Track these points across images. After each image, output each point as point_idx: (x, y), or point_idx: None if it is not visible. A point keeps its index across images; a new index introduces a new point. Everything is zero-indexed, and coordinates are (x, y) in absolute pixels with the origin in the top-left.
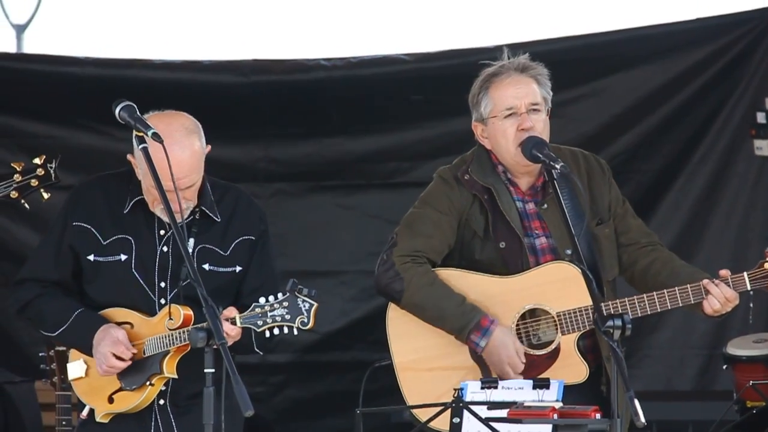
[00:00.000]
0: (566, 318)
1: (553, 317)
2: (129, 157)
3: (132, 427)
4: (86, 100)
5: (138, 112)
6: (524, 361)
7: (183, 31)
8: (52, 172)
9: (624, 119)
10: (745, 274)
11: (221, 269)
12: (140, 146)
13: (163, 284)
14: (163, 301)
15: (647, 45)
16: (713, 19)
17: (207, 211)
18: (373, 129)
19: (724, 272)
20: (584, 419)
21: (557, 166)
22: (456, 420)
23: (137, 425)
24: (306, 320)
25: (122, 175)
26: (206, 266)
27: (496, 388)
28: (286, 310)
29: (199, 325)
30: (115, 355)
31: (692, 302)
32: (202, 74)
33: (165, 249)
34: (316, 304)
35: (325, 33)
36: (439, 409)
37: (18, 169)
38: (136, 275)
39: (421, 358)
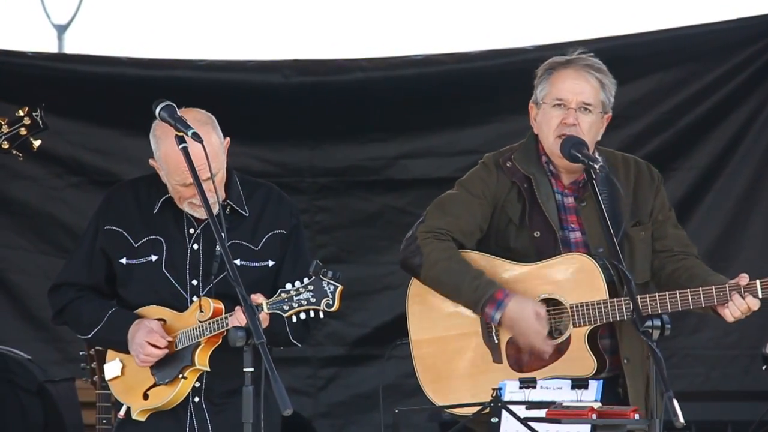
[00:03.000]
0: (579, 310)
1: (566, 308)
2: (151, 161)
3: (168, 424)
4: (126, 100)
5: (178, 112)
6: (547, 326)
7: (223, 32)
8: (39, 119)
9: (665, 118)
10: (757, 281)
11: (253, 264)
12: (180, 146)
13: (195, 282)
14: (195, 298)
15: (688, 44)
16: (753, 19)
17: (235, 206)
18: (412, 127)
19: (743, 279)
20: (623, 419)
21: (596, 166)
22: (494, 420)
23: (173, 423)
24: (331, 302)
25: (151, 178)
26: (237, 261)
27: (534, 387)
28: (311, 293)
29: (238, 325)
30: (150, 344)
31: (715, 302)
32: (243, 74)
33: (195, 247)
34: (341, 287)
35: (365, 34)
36: (477, 408)
37: (3, 122)
38: (167, 275)
39: (437, 338)
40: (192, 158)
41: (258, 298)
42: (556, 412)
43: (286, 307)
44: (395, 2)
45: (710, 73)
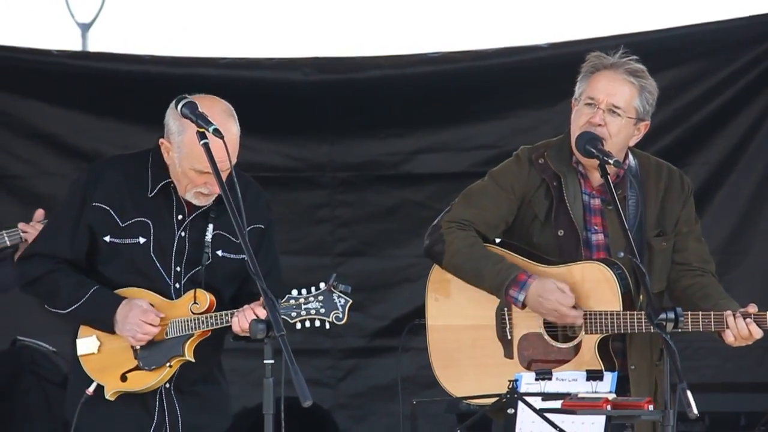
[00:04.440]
0: (593, 318)
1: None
2: (162, 140)
3: (136, 408)
4: (149, 98)
5: (200, 108)
6: (573, 299)
7: (245, 30)
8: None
9: (678, 114)
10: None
11: (233, 256)
12: (201, 141)
13: (178, 269)
14: (177, 285)
15: (701, 42)
16: (765, 17)
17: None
18: (428, 123)
19: (751, 308)
20: (637, 410)
21: (610, 161)
22: (511, 411)
23: (141, 406)
24: (341, 315)
25: (139, 157)
26: (219, 252)
27: (550, 379)
28: (320, 304)
29: (259, 317)
30: (145, 322)
31: (712, 330)
32: (264, 72)
33: (183, 234)
34: (350, 301)
35: (382, 32)
36: (494, 400)
37: None
38: (154, 259)
39: (452, 326)
40: (219, 150)
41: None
42: (572, 404)
43: (293, 314)
44: (412, 1)
45: (722, 70)
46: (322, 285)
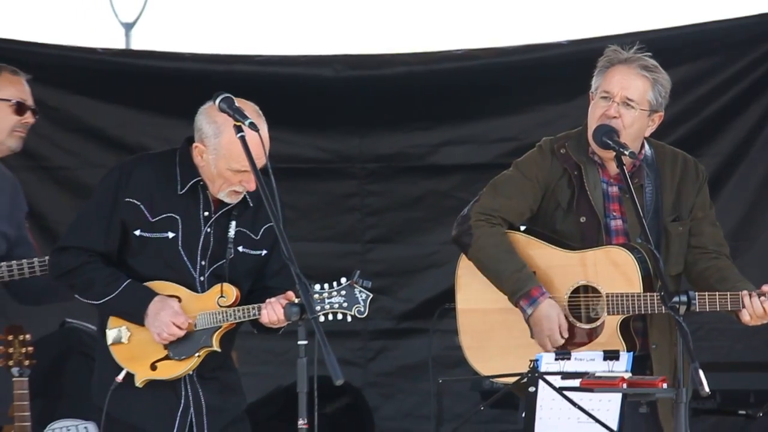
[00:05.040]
0: (614, 300)
1: (602, 297)
2: (196, 144)
3: (166, 393)
4: (189, 93)
5: (236, 103)
6: (566, 336)
7: (278, 29)
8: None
9: (691, 107)
10: None
11: (252, 252)
12: (238, 135)
13: (203, 263)
14: (202, 278)
15: (712, 38)
16: None
17: (247, 197)
18: (453, 117)
19: (766, 287)
20: (652, 388)
21: (625, 152)
22: (532, 389)
23: (171, 392)
24: (362, 309)
25: (167, 156)
26: (240, 248)
27: (569, 359)
28: (343, 299)
29: (293, 302)
30: (175, 325)
31: (729, 309)
32: (297, 68)
33: (208, 230)
34: (371, 296)
35: (409, 30)
36: (516, 378)
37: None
38: (182, 253)
39: (481, 309)
40: (254, 148)
41: (291, 296)
42: (590, 382)
43: (318, 308)
44: (437, 1)
45: (733, 66)
46: (344, 280)
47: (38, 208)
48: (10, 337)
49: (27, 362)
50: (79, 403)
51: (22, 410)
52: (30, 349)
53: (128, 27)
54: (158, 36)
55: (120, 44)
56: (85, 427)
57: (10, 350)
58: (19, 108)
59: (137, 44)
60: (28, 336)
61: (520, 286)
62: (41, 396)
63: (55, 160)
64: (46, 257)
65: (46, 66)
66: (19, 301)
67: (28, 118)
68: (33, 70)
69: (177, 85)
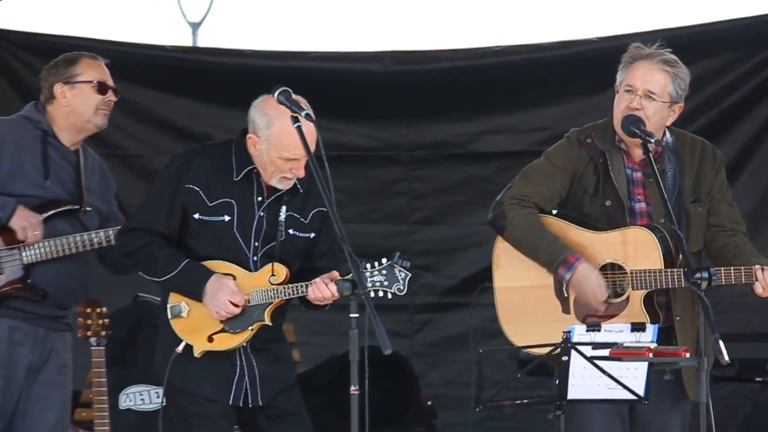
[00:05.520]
0: (638, 276)
1: (627, 273)
2: (249, 135)
3: (223, 363)
4: (250, 87)
5: (293, 96)
6: (606, 293)
7: (332, 27)
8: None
9: (712, 99)
10: None
11: (302, 234)
12: (295, 125)
13: (256, 244)
14: (255, 258)
15: (731, 35)
16: None
17: (297, 184)
18: (493, 108)
19: None
20: (676, 357)
21: (651, 141)
22: (565, 358)
23: (227, 361)
24: (402, 287)
25: (223, 146)
26: (290, 231)
27: (599, 331)
28: (384, 277)
29: (345, 278)
30: (232, 303)
31: (743, 282)
32: (349, 64)
33: (261, 214)
34: (410, 275)
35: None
36: (551, 348)
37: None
38: (237, 235)
39: (517, 287)
40: (307, 137)
41: (335, 275)
42: (618, 352)
43: None
44: (480, 1)
45: (750, 60)
46: (384, 260)
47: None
48: (89, 310)
49: (103, 333)
50: (151, 370)
51: (99, 376)
52: (106, 320)
53: (195, 26)
54: (222, 34)
55: (187, 42)
56: (156, 392)
57: (89, 322)
58: (101, 88)
59: (203, 42)
60: (104, 309)
61: (556, 255)
62: (116, 363)
63: (129, 148)
64: None
65: (121, 62)
66: (112, 271)
67: (110, 96)
68: (109, 66)
69: (239, 79)
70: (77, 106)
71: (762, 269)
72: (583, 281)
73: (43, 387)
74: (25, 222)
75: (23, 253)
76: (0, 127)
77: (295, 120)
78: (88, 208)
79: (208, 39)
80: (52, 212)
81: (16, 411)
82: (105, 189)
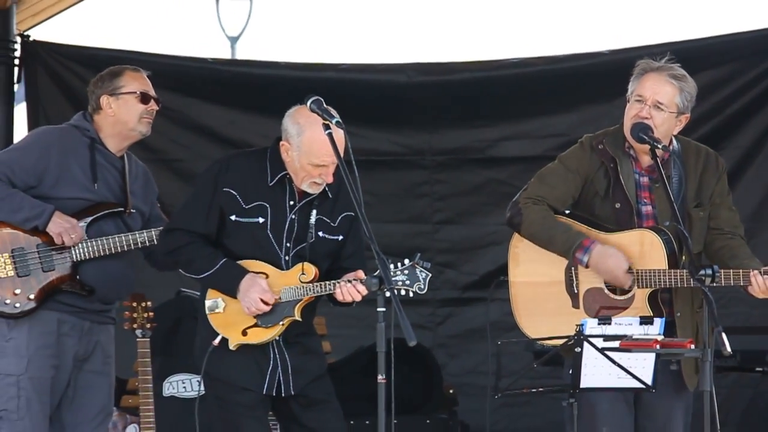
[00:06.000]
0: (643, 275)
1: (633, 272)
2: (282, 143)
3: (257, 355)
4: (284, 96)
5: (324, 104)
6: (628, 263)
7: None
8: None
9: (715, 107)
10: None
11: (330, 237)
12: (326, 132)
13: (288, 244)
14: (287, 258)
15: (734, 48)
16: None
17: (327, 189)
18: (510, 115)
19: None
20: (681, 348)
21: (659, 147)
22: (578, 350)
23: (261, 353)
24: (422, 286)
25: (259, 153)
26: (320, 233)
27: (609, 324)
28: (406, 277)
29: (373, 274)
30: (262, 301)
31: (741, 284)
32: (376, 75)
33: (293, 217)
34: (430, 275)
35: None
36: (565, 340)
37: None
38: (270, 236)
39: (530, 282)
40: (337, 143)
41: (361, 275)
42: (628, 343)
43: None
44: (497, 16)
45: (751, 71)
46: (406, 261)
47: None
48: (135, 304)
49: (148, 325)
50: (192, 360)
51: (145, 366)
52: (151, 314)
53: (233, 40)
54: (258, 48)
55: (226, 55)
56: (198, 381)
57: (134, 315)
58: (144, 98)
59: (240, 55)
60: (149, 303)
61: (571, 241)
62: (160, 354)
63: (172, 153)
64: None
65: (165, 73)
66: (158, 267)
67: (153, 105)
68: (154, 76)
69: (273, 89)
70: (122, 116)
71: (758, 273)
72: (602, 258)
73: (89, 376)
74: (60, 228)
75: (73, 252)
76: (49, 135)
77: (326, 127)
78: (132, 210)
79: (245, 52)
80: (100, 214)
81: (64, 397)
82: (148, 193)
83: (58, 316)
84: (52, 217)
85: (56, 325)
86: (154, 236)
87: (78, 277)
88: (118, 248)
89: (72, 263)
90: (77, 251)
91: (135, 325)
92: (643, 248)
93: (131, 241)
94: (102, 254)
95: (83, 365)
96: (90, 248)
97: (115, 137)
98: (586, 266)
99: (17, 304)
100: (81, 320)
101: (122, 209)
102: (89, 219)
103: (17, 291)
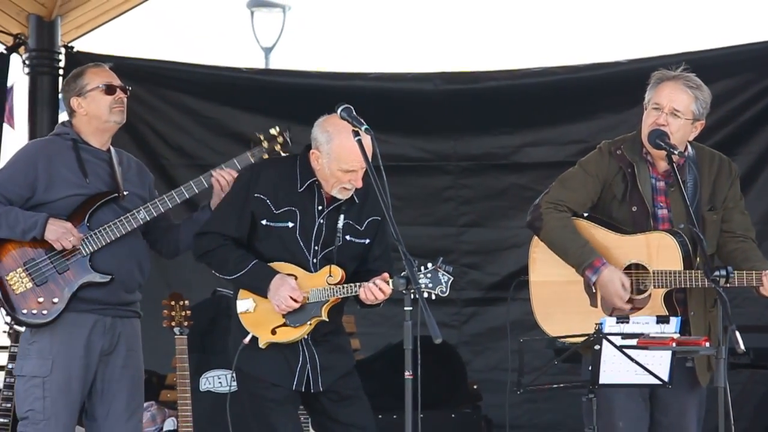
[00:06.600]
0: (659, 276)
1: (649, 273)
2: (312, 151)
3: (286, 353)
4: (316, 104)
5: (354, 112)
6: (629, 292)
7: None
8: (287, 139)
9: (729, 114)
10: None
11: (357, 240)
12: (356, 138)
13: (316, 248)
14: (314, 260)
15: (747, 58)
16: None
17: (354, 195)
18: (532, 123)
19: None
20: (697, 346)
21: (675, 152)
22: (597, 347)
23: (291, 351)
24: (444, 289)
25: (289, 160)
26: (347, 237)
27: (627, 322)
28: (428, 280)
29: (400, 275)
30: (291, 298)
31: (754, 285)
32: (403, 83)
33: (321, 221)
34: (452, 278)
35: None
36: (584, 338)
37: (262, 137)
38: (299, 239)
39: (550, 282)
40: (366, 149)
41: (386, 277)
42: (645, 341)
43: (408, 286)
44: (522, 28)
45: (763, 80)
46: (430, 265)
47: (194, 199)
48: (173, 303)
49: (186, 323)
50: (227, 356)
51: (182, 362)
52: (188, 312)
53: (267, 51)
54: (291, 57)
55: (260, 64)
56: (233, 376)
57: (173, 313)
58: (108, 89)
59: (274, 64)
60: (186, 302)
61: (584, 258)
62: (197, 350)
63: (208, 159)
64: (176, 189)
65: (202, 83)
66: (165, 256)
67: (120, 94)
68: (191, 85)
69: (305, 97)
70: (93, 111)
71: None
72: (608, 283)
73: (115, 369)
74: (56, 234)
75: (82, 247)
76: (33, 147)
77: (356, 134)
78: (125, 193)
79: (278, 62)
80: (96, 206)
81: (93, 391)
82: (143, 179)
83: (80, 315)
84: (46, 225)
85: (79, 324)
86: (152, 209)
87: (94, 269)
88: (122, 231)
89: (84, 257)
90: (85, 246)
91: (173, 323)
92: (659, 250)
93: (132, 221)
94: (108, 241)
95: (109, 359)
96: (95, 239)
97: (95, 133)
98: (594, 284)
99: (44, 311)
100: (103, 316)
101: (116, 195)
102: (88, 214)
103: (40, 300)
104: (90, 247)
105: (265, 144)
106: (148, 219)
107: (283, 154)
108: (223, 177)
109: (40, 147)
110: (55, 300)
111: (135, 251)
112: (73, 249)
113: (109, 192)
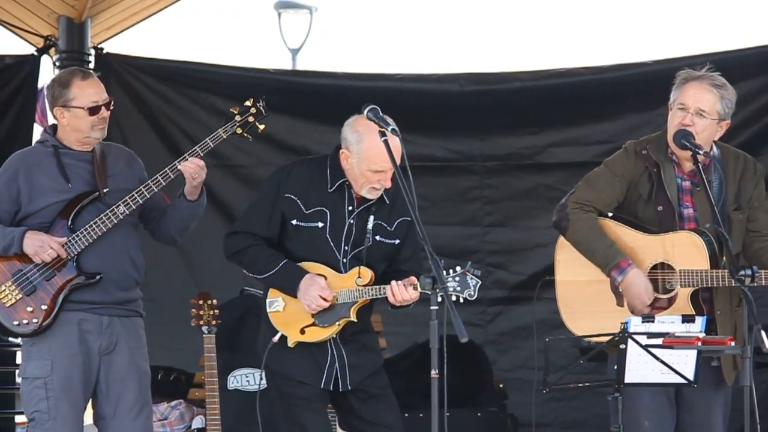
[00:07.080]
0: (686, 275)
1: (676, 272)
2: (342, 151)
3: (315, 352)
4: (342, 105)
5: (380, 113)
6: (652, 297)
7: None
8: (261, 108)
9: (753, 115)
10: None
11: (387, 241)
12: (382, 138)
13: (346, 248)
14: (344, 260)
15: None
16: None
17: (384, 196)
18: (558, 123)
19: None
20: (722, 345)
21: (700, 152)
22: (622, 347)
23: (320, 350)
24: (472, 293)
25: (320, 161)
26: (377, 237)
27: (653, 322)
28: (456, 283)
29: (427, 275)
30: (321, 297)
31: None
32: (429, 84)
33: (351, 222)
34: (480, 282)
35: (522, 51)
36: (610, 338)
37: (235, 111)
38: (329, 239)
39: (576, 281)
40: (393, 150)
41: (413, 280)
42: (670, 341)
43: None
44: (548, 29)
45: None
46: (458, 268)
47: (222, 199)
48: (201, 302)
49: (214, 322)
50: (255, 355)
51: (210, 360)
52: (216, 311)
53: (294, 52)
54: (318, 59)
55: (287, 66)
56: (260, 375)
57: (201, 312)
58: (93, 110)
59: (301, 65)
60: (214, 301)
61: (610, 259)
62: (225, 349)
63: (236, 160)
64: (164, 169)
65: (229, 83)
66: (162, 241)
67: (103, 113)
68: (219, 86)
69: (333, 98)
70: (76, 126)
71: None
72: (632, 285)
73: (117, 368)
74: (33, 249)
75: (66, 251)
76: (13, 161)
77: (383, 135)
78: (105, 190)
79: (305, 63)
80: (76, 209)
81: (98, 391)
82: (135, 171)
83: (76, 316)
84: (23, 240)
85: (76, 325)
86: (130, 202)
87: (82, 270)
88: (103, 228)
89: (70, 261)
90: (69, 249)
91: (201, 322)
92: (685, 249)
93: (112, 217)
94: (91, 240)
95: (110, 359)
96: (78, 241)
97: (77, 142)
98: (618, 285)
99: (35, 320)
100: (99, 316)
101: (96, 193)
102: (70, 218)
103: (30, 309)
104: (74, 250)
105: (238, 118)
106: (128, 212)
107: (259, 126)
108: (188, 166)
109: (19, 159)
110: (44, 306)
111: (125, 247)
112: (58, 257)
113: (90, 192)
